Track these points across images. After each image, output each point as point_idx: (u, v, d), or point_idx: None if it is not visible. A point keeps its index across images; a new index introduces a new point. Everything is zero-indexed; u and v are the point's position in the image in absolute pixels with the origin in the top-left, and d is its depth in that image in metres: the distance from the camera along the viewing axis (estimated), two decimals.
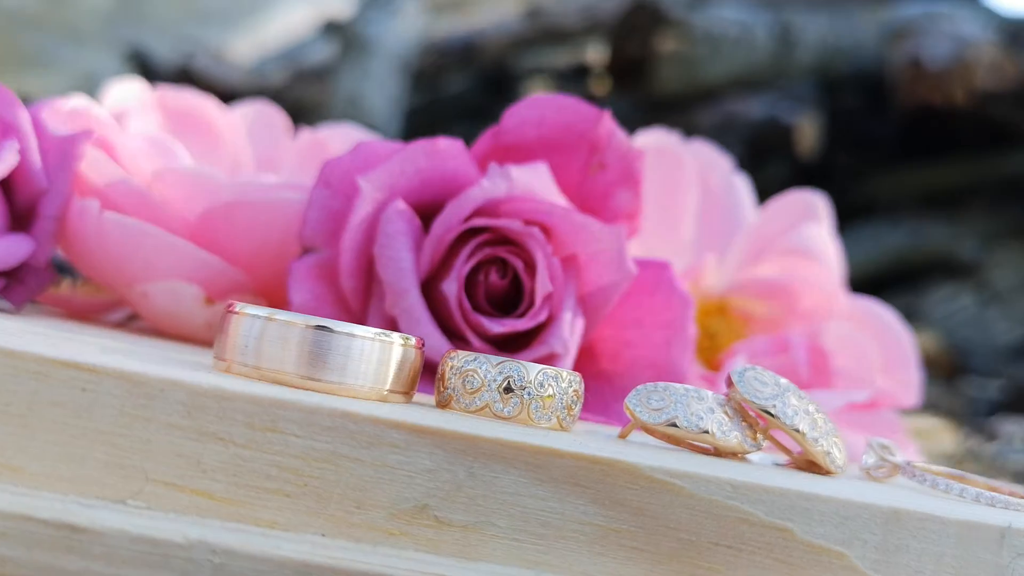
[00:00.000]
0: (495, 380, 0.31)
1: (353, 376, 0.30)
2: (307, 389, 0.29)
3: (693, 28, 1.83)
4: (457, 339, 0.39)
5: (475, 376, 0.31)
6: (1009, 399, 1.46)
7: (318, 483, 0.26)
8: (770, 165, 1.95)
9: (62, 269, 0.46)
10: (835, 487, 0.28)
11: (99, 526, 0.23)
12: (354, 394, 0.30)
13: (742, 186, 0.55)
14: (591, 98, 2.09)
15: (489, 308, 0.40)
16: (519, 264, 0.39)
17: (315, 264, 0.39)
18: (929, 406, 1.56)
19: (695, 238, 0.52)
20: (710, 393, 0.33)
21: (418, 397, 0.33)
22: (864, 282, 1.86)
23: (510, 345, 0.40)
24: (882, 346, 0.52)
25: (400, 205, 0.39)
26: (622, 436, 0.34)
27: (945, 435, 0.76)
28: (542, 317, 0.39)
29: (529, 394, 0.31)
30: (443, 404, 0.32)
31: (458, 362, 0.32)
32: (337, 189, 0.39)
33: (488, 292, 0.40)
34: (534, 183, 0.40)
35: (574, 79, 2.16)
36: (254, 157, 0.52)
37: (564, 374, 0.32)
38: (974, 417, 1.58)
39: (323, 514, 0.26)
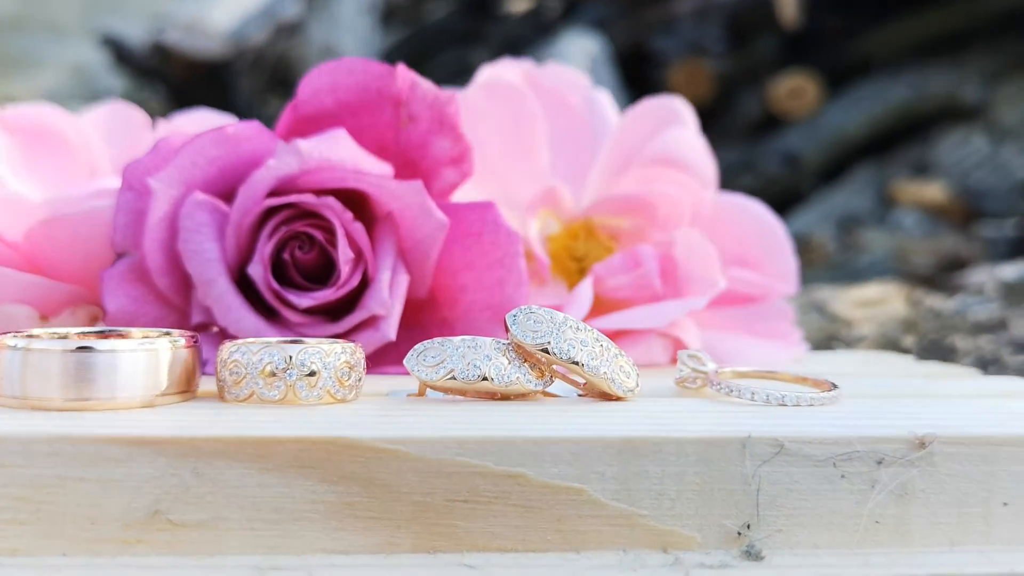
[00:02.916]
0: (256, 367, 0.32)
1: (122, 389, 0.31)
2: (76, 410, 0.30)
3: None
4: (275, 317, 0.40)
5: (239, 366, 0.32)
6: None
7: (50, 507, 0.27)
8: (758, 42, 1.90)
9: None
10: (567, 426, 0.29)
11: None
12: (125, 406, 0.31)
13: (604, 101, 0.54)
14: (572, 4, 2.05)
15: (304, 282, 0.40)
16: (321, 236, 0.40)
17: (128, 268, 0.40)
18: (947, 254, 1.53)
19: (557, 162, 0.52)
20: (489, 340, 0.34)
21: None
22: (871, 140, 1.82)
23: (333, 314, 0.41)
24: (757, 240, 0.51)
25: (199, 197, 0.39)
26: (419, 395, 0.35)
27: (897, 301, 0.75)
28: (353, 283, 0.40)
29: (292, 375, 0.32)
30: (220, 396, 0.33)
31: (224, 354, 0.33)
32: (140, 191, 0.40)
33: (299, 267, 0.40)
34: (331, 151, 0.40)
35: None
36: (112, 158, 0.52)
37: (330, 348, 0.32)
38: (992, 260, 1.55)
39: (61, 535, 0.27)
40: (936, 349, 0.71)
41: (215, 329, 0.40)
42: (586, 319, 0.45)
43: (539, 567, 0.27)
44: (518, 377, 0.33)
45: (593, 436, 0.28)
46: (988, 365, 0.69)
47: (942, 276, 1.42)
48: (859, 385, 0.39)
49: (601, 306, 0.47)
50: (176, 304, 0.40)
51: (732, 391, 0.34)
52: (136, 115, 0.55)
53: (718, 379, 0.35)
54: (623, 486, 0.28)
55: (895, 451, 0.29)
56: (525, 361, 0.34)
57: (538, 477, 0.28)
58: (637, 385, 0.34)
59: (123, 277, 0.40)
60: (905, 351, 0.72)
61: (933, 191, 1.64)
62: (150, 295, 0.40)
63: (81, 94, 2.24)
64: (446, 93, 0.43)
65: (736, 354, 0.47)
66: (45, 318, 0.42)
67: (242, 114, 1.63)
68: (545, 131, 0.51)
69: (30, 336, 0.33)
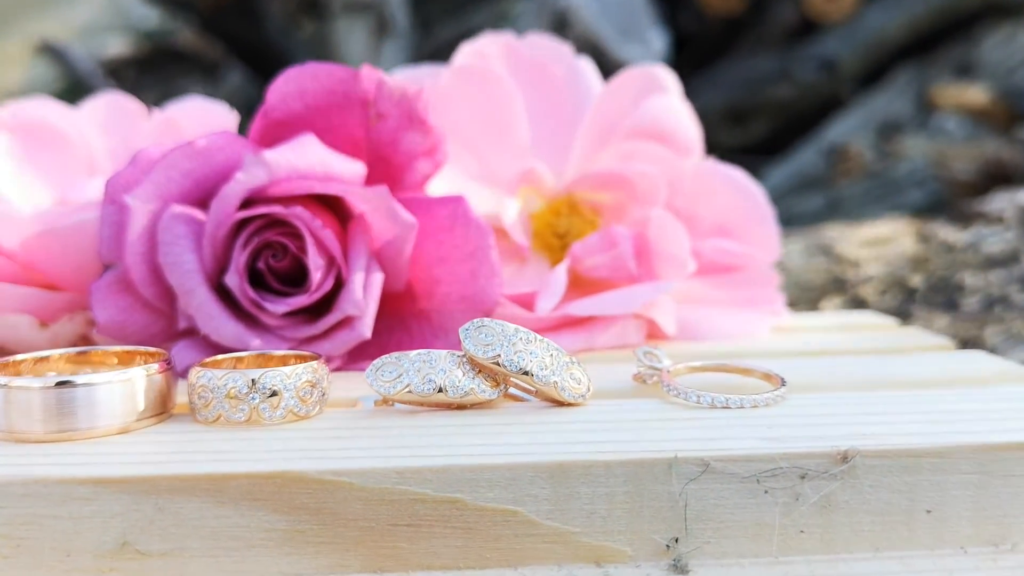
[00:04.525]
0: (221, 391, 0.34)
1: (101, 419, 0.33)
2: (59, 442, 0.32)
3: None
4: (254, 322, 0.42)
5: (206, 390, 0.34)
6: None
7: (29, 542, 0.29)
8: None
9: None
10: (502, 451, 0.30)
11: None
12: (104, 434, 0.33)
13: (587, 69, 0.54)
14: None
15: (281, 287, 0.42)
16: (292, 244, 0.41)
17: (115, 279, 0.42)
18: (989, 160, 1.50)
19: (540, 135, 0.52)
20: (444, 353, 0.35)
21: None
22: (912, 41, 1.77)
23: (312, 314, 0.43)
24: (738, 208, 0.52)
25: (175, 209, 0.41)
26: (386, 405, 0.37)
27: (907, 237, 0.75)
28: (327, 287, 0.42)
29: (255, 398, 0.34)
30: (193, 417, 0.35)
31: (193, 378, 0.35)
32: (121, 205, 0.42)
33: (275, 274, 0.42)
34: (299, 159, 0.41)
35: None
36: (109, 149, 0.54)
37: (290, 370, 0.34)
38: None
39: (40, 567, 0.29)
40: (943, 288, 0.72)
41: (202, 334, 0.42)
42: (562, 299, 0.47)
43: None
44: (472, 388, 0.35)
45: (525, 462, 0.30)
46: (994, 304, 0.69)
47: (983, 183, 1.39)
48: (811, 372, 0.40)
49: (580, 284, 0.48)
50: (163, 311, 0.42)
51: (679, 394, 0.36)
52: (131, 105, 0.56)
53: (669, 379, 0.37)
54: (556, 506, 0.30)
55: (818, 465, 0.30)
56: (480, 372, 0.35)
57: (475, 501, 0.30)
58: (589, 390, 0.36)
59: (110, 288, 0.42)
60: (912, 290, 0.72)
61: (974, 93, 1.60)
62: (137, 304, 0.42)
63: (117, 26, 2.25)
64: (414, 88, 0.44)
65: (712, 329, 0.48)
66: (45, 324, 0.44)
67: (275, 42, 1.62)
68: (523, 109, 0.51)
69: (14, 364, 0.36)
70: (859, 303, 0.71)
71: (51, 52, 2.01)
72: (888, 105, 1.72)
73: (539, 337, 0.35)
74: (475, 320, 0.35)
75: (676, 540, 0.30)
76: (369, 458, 0.30)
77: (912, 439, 0.31)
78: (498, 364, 0.35)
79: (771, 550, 0.30)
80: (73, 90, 1.92)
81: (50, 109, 0.54)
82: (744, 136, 1.78)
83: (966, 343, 0.62)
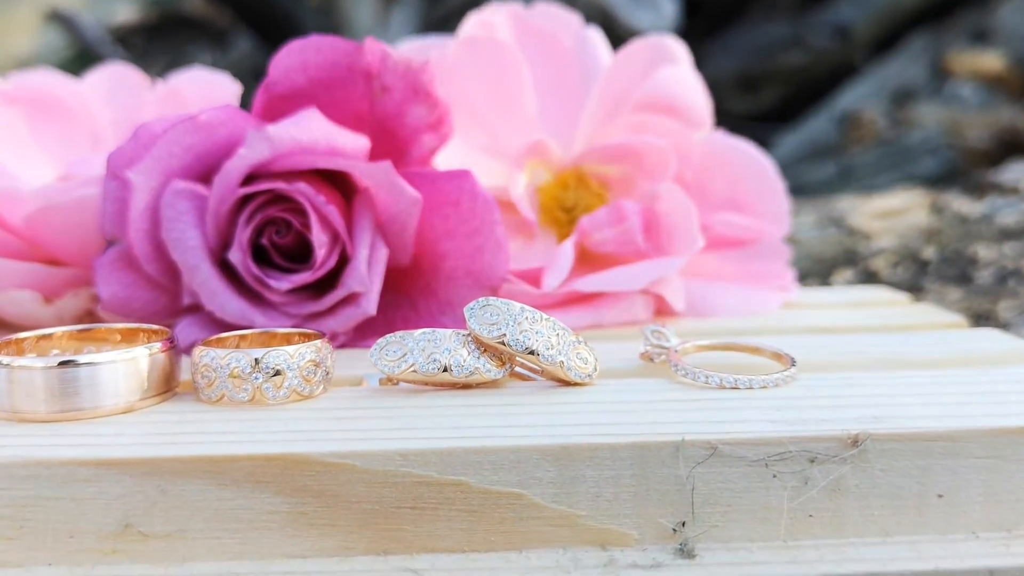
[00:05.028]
0: (225, 370, 0.33)
1: (105, 398, 0.33)
2: (62, 421, 0.32)
3: None
4: (258, 299, 0.41)
5: (209, 370, 0.34)
6: None
7: (32, 523, 0.29)
8: None
9: None
10: (507, 433, 0.30)
11: None
12: (108, 413, 0.33)
13: (595, 39, 0.54)
14: None
15: (286, 263, 0.42)
16: (296, 220, 0.41)
17: (118, 256, 0.41)
18: (1004, 128, 1.49)
19: (548, 106, 0.52)
20: (449, 332, 0.35)
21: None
22: (927, 6, 1.75)
23: (316, 290, 0.42)
24: (748, 181, 0.51)
25: (178, 185, 0.41)
26: (390, 383, 0.36)
27: (920, 209, 0.74)
28: (331, 264, 0.41)
29: (258, 378, 0.33)
30: (197, 396, 0.35)
31: (197, 357, 0.34)
32: (123, 180, 0.41)
33: (279, 250, 0.41)
34: (302, 133, 0.41)
35: None
36: (112, 121, 0.54)
37: (294, 350, 0.34)
38: None
39: (44, 548, 0.29)
40: (956, 260, 0.71)
41: (206, 310, 0.42)
42: (570, 274, 0.46)
43: (481, 569, 0.29)
44: (477, 367, 0.35)
45: (530, 444, 0.29)
46: (1008, 278, 0.68)
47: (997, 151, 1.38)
48: (821, 351, 0.39)
49: (587, 259, 0.48)
50: (167, 287, 0.42)
51: (688, 374, 0.35)
52: (135, 76, 0.56)
53: (676, 358, 0.36)
54: (561, 489, 0.30)
55: (828, 449, 0.30)
56: (485, 351, 0.35)
57: (479, 484, 0.29)
58: (595, 370, 0.35)
59: (114, 265, 0.41)
60: (925, 263, 0.71)
61: (990, 60, 1.57)
62: (141, 280, 0.42)
63: None
64: (419, 61, 0.43)
65: (722, 306, 0.47)
66: (49, 300, 0.44)
67: (283, 8, 1.60)
68: (531, 80, 0.50)
69: (16, 342, 0.36)
70: (871, 276, 0.70)
71: (60, 20, 1.99)
72: (902, 72, 1.70)
73: (545, 316, 0.35)
74: (480, 299, 0.35)
75: (683, 524, 0.30)
76: (373, 440, 0.30)
77: (924, 422, 0.30)
78: (503, 344, 0.34)
79: (779, 534, 0.30)
80: (82, 58, 1.91)
81: (54, 80, 0.53)
82: (756, 103, 1.76)
83: (979, 318, 0.62)
